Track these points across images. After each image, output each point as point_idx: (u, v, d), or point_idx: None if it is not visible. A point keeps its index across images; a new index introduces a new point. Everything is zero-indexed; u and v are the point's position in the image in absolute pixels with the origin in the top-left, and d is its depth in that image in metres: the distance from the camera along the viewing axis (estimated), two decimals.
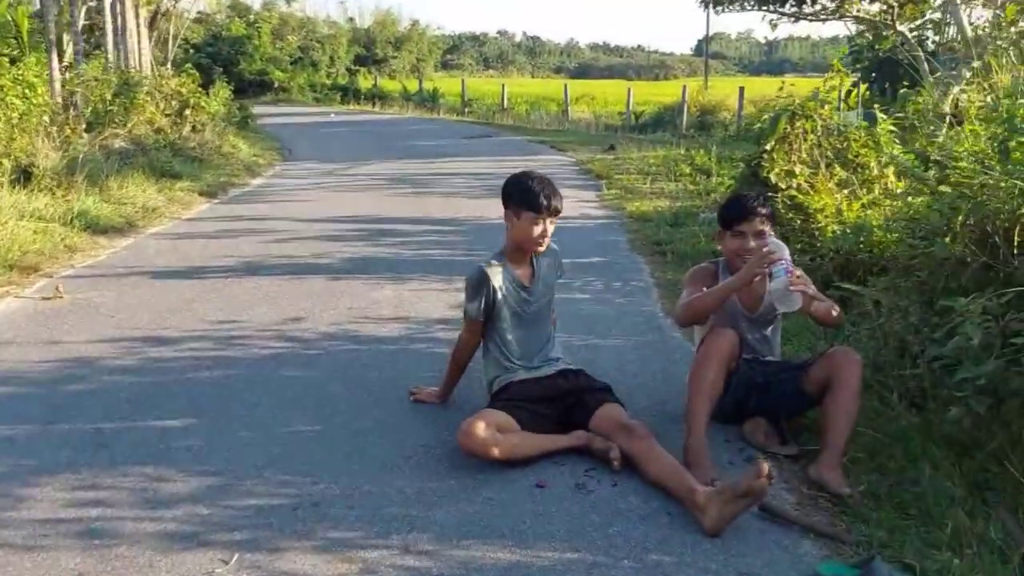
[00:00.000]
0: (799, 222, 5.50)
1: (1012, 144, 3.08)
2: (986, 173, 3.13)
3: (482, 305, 3.27)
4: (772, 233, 3.31)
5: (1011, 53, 7.25)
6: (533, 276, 3.33)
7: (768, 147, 5.85)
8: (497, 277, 3.26)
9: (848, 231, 5.26)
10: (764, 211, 3.30)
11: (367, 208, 8.86)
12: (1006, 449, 2.85)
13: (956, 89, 8.79)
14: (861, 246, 5.08)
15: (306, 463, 3.05)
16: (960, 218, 3.25)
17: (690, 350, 4.18)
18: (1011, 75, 5.84)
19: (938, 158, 3.83)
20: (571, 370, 3.37)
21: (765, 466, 2.55)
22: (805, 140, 5.89)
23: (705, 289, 3.32)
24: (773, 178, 5.67)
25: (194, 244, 7.03)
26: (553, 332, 3.45)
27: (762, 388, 3.30)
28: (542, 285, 3.35)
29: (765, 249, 3.06)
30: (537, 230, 3.20)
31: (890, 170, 5.98)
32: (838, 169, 5.76)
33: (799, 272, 3.03)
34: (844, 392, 3.03)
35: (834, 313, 3.19)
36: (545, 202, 3.17)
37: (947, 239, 3.17)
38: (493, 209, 9.59)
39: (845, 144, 6.13)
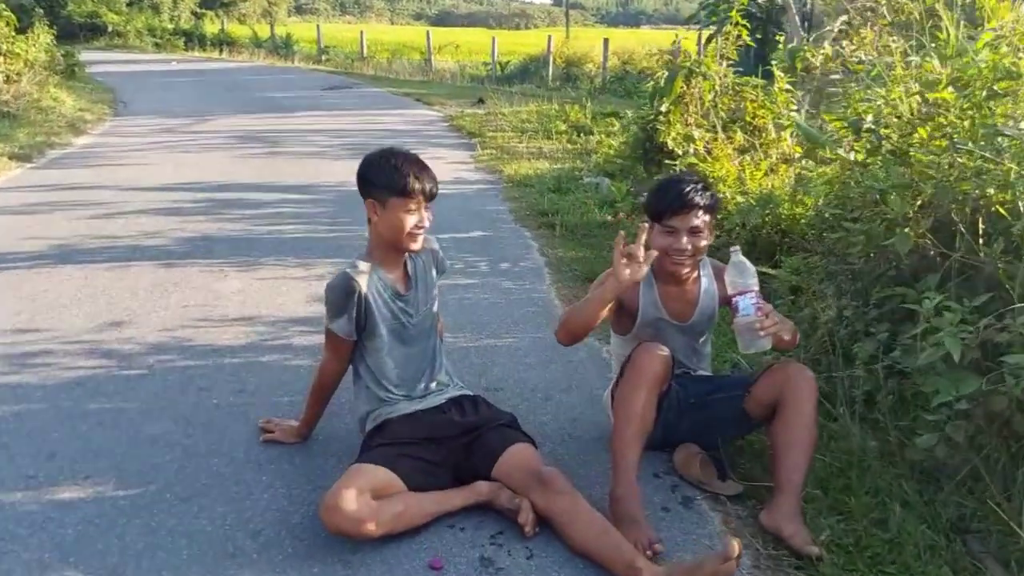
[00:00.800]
0: None
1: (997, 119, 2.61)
2: (958, 151, 2.65)
3: (352, 321, 2.54)
4: (709, 228, 2.71)
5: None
6: (409, 280, 2.63)
7: (664, 108, 5.30)
8: (366, 284, 2.54)
9: (753, 203, 4.81)
10: (703, 201, 2.68)
11: (211, 173, 7.78)
12: (984, 479, 2.42)
13: (826, 44, 8.57)
14: (767, 219, 4.64)
15: (106, 555, 2.25)
16: (919, 201, 2.77)
17: (597, 349, 3.61)
18: (875, 30, 5.52)
19: (871, 127, 3.36)
20: (466, 397, 2.70)
21: (736, 546, 1.99)
22: (701, 101, 5.37)
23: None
24: (670, 143, 5.14)
25: None
26: (440, 346, 2.76)
27: (696, 410, 2.74)
28: (422, 290, 2.65)
29: (728, 279, 2.50)
30: (410, 220, 2.49)
31: (787, 133, 5.58)
32: (737, 133, 5.30)
33: (768, 308, 2.44)
34: (797, 418, 2.51)
35: (791, 338, 2.62)
36: (416, 184, 2.47)
37: (906, 228, 2.68)
38: (354, 172, 8.69)
39: (740, 105, 5.67)
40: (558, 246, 5.39)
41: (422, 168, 2.52)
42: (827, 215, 4.00)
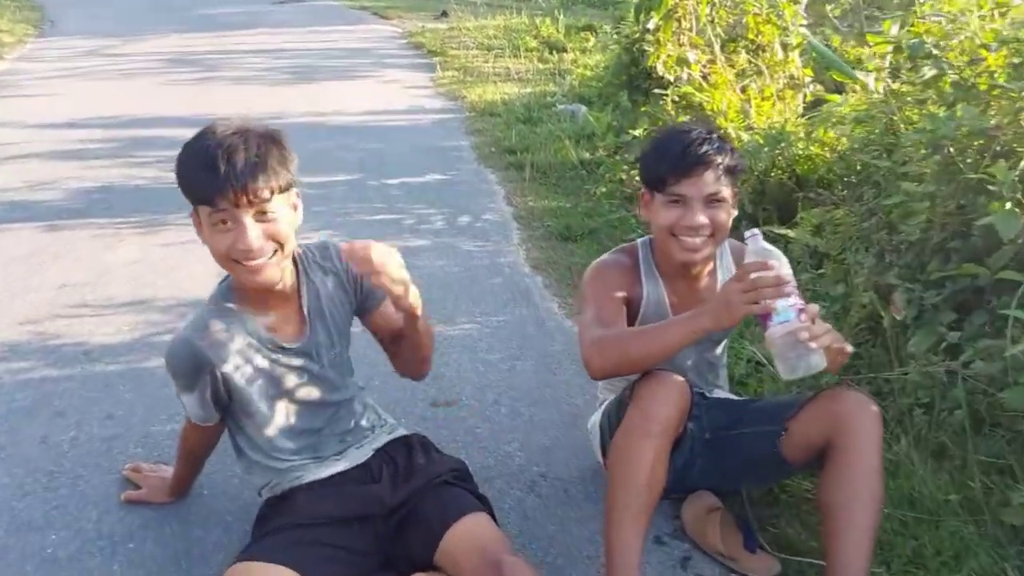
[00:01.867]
0: None
1: None
2: None
3: (207, 404, 1.74)
4: (732, 198, 1.93)
5: None
6: (303, 319, 1.78)
7: (652, 25, 4.42)
8: (225, 349, 1.70)
9: (760, 140, 4.01)
10: (723, 160, 1.87)
11: (130, 104, 6.78)
12: None
13: None
14: (778, 161, 3.85)
15: None
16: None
17: (574, 337, 2.85)
18: None
19: (932, 51, 2.56)
20: (400, 442, 1.94)
21: None
22: (696, 16, 4.50)
23: (622, 305, 1.94)
24: (661, 68, 4.29)
25: None
26: (358, 385, 1.97)
27: (713, 448, 2.01)
28: (327, 322, 1.80)
29: (772, 272, 1.60)
30: (222, 241, 1.59)
31: (795, 53, 4.73)
32: (740, 54, 4.45)
33: (814, 310, 1.61)
34: (859, 474, 1.77)
35: (844, 355, 1.85)
36: (210, 180, 1.53)
37: (1008, 204, 1.91)
38: (297, 101, 7.68)
39: (741, 20, 4.80)
40: (528, 192, 4.57)
41: (231, 151, 1.52)
42: (862, 164, 3.23)
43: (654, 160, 1.92)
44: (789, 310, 1.57)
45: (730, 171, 1.89)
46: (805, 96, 4.64)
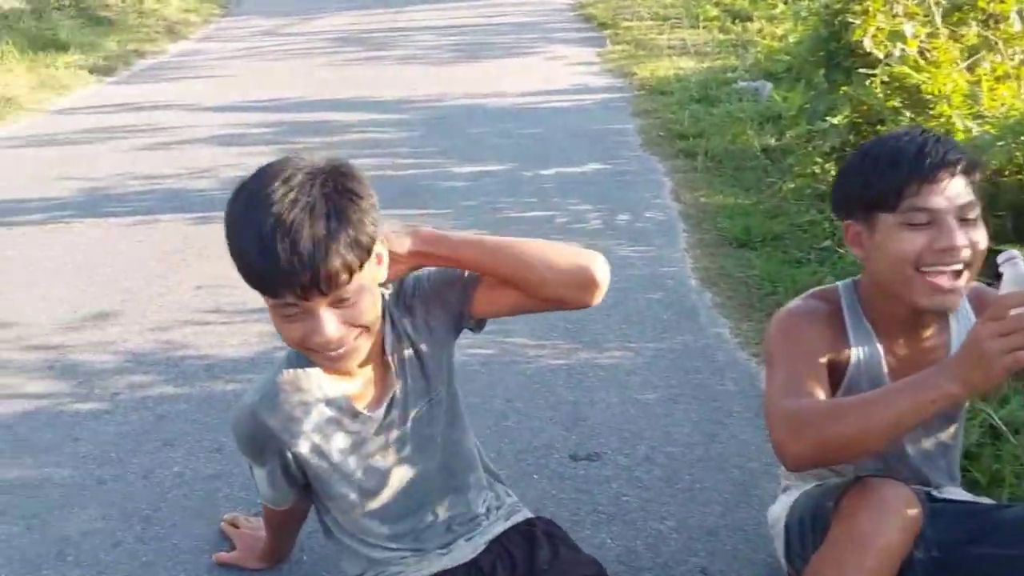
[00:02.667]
0: (908, 117, 3.49)
1: None
2: None
3: (278, 486, 1.43)
4: (981, 216, 1.38)
5: None
6: (386, 382, 1.41)
7: None
8: (298, 420, 1.36)
9: (993, 131, 3.27)
10: (967, 161, 1.35)
11: (297, 85, 6.77)
12: None
13: None
14: (1018, 159, 3.11)
15: None
16: None
17: (750, 375, 2.37)
18: None
19: None
20: (519, 528, 1.55)
21: None
22: None
23: (824, 369, 1.43)
24: (869, 44, 3.60)
25: (33, 156, 5.07)
26: (473, 449, 1.59)
27: (942, 570, 1.48)
28: (416, 381, 1.42)
29: None
30: (294, 331, 1.24)
31: None
32: (971, 27, 3.68)
33: None
34: None
35: None
36: (272, 273, 1.17)
37: None
38: (460, 81, 7.32)
39: None
40: (699, 186, 4.04)
41: (294, 229, 1.14)
42: None
43: (878, 173, 1.39)
44: None
45: (975, 178, 1.37)
46: None
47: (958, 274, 1.34)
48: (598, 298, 1.35)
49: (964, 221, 1.34)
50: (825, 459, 1.34)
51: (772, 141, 4.41)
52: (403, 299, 1.41)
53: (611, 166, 4.44)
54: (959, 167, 1.34)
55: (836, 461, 1.33)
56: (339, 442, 1.37)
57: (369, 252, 1.23)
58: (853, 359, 1.47)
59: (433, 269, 1.41)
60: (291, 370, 1.36)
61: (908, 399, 1.20)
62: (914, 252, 1.33)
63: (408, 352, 1.40)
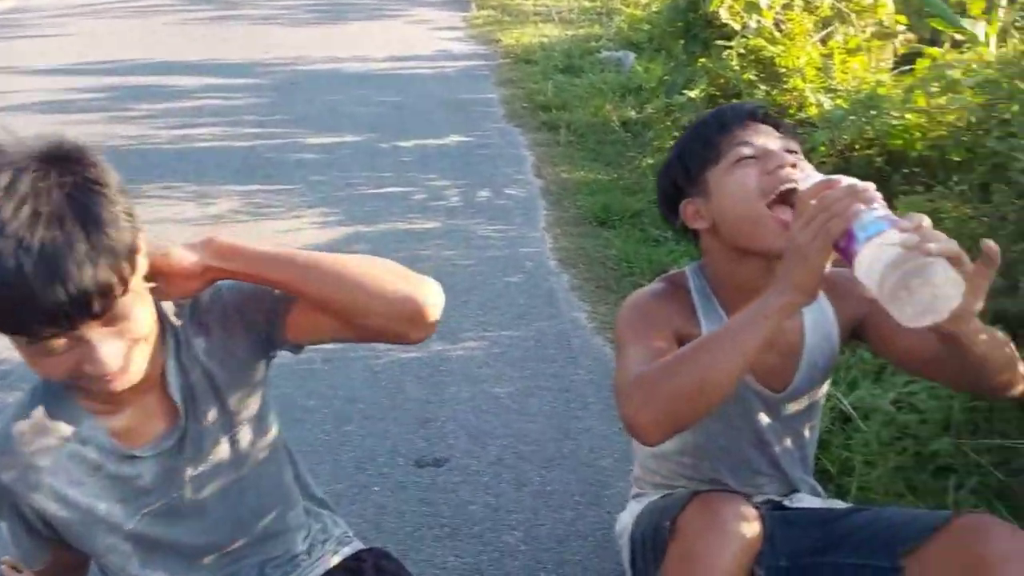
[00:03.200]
0: (763, 90, 3.47)
1: None
2: None
3: (21, 539, 1.17)
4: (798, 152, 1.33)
5: None
6: (170, 415, 1.13)
7: None
8: (36, 469, 1.10)
9: (844, 105, 3.29)
10: (760, 109, 1.35)
11: (138, 46, 6.24)
12: None
13: None
14: (868, 133, 3.13)
15: None
16: None
17: (604, 362, 2.28)
18: None
19: None
20: (347, 565, 1.36)
21: None
22: None
23: (675, 343, 1.33)
24: (726, 15, 3.56)
25: None
26: (296, 486, 1.38)
27: None
28: (209, 419, 1.15)
29: (846, 182, 1.06)
30: (62, 366, 0.98)
31: None
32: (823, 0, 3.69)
33: (917, 217, 0.98)
34: None
35: (1008, 363, 1.21)
36: (39, 309, 0.90)
37: None
38: (317, 44, 6.89)
39: None
40: (561, 161, 3.92)
41: (41, 248, 0.90)
42: (983, 147, 2.53)
43: (692, 137, 1.36)
44: (879, 222, 0.98)
45: (788, 134, 1.33)
46: (895, 49, 3.90)
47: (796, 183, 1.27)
48: (425, 336, 1.15)
49: (789, 153, 1.27)
50: (680, 416, 1.19)
51: (633, 114, 4.34)
52: (196, 315, 1.18)
53: (473, 138, 4.27)
54: (760, 113, 1.32)
55: (693, 415, 1.19)
56: (97, 488, 1.14)
57: (136, 250, 1.00)
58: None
59: (239, 282, 1.18)
60: (35, 409, 1.12)
61: (747, 324, 1.12)
62: (752, 183, 1.26)
63: (198, 379, 1.17)
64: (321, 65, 5.67)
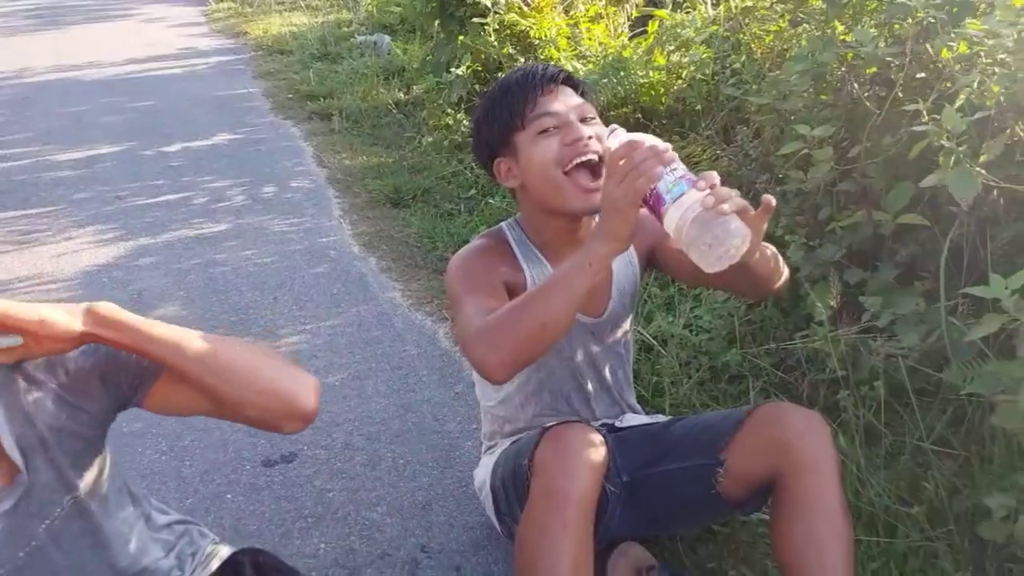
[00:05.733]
0: (522, 62, 3.69)
1: None
2: None
3: None
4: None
5: None
6: (9, 471, 1.06)
7: None
8: None
9: (595, 69, 3.59)
10: (561, 73, 1.49)
11: None
12: None
13: None
14: (619, 92, 3.45)
15: None
16: None
17: (429, 335, 2.38)
18: None
19: None
20: (223, 573, 1.36)
21: None
22: None
23: (504, 291, 1.47)
24: None
25: None
26: (152, 522, 1.33)
27: (634, 491, 1.61)
28: (47, 479, 1.09)
29: (648, 143, 1.20)
30: None
31: None
32: None
33: (712, 178, 1.17)
34: (821, 514, 1.43)
35: (782, 269, 1.46)
36: None
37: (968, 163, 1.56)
38: (41, 53, 6.25)
39: None
40: (340, 148, 3.94)
41: None
42: (721, 95, 2.89)
43: (500, 102, 1.47)
44: (680, 182, 1.16)
45: (587, 95, 1.50)
46: (630, 15, 4.27)
47: (596, 173, 1.43)
48: (300, 429, 1.18)
49: (585, 121, 1.44)
50: (525, 355, 1.33)
51: (401, 95, 4.42)
52: (52, 369, 1.11)
53: (243, 135, 4.15)
54: (560, 77, 1.46)
55: (536, 353, 1.33)
56: None
57: None
58: (529, 281, 1.52)
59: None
60: None
61: (575, 271, 1.26)
62: (553, 153, 1.42)
63: (41, 433, 1.09)
64: (53, 75, 5.22)
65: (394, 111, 4.22)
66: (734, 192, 1.18)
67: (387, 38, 5.42)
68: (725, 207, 1.14)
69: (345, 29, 5.94)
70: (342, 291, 2.73)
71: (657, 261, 1.61)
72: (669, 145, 1.23)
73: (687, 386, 2.14)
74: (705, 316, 2.35)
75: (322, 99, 4.50)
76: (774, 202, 1.24)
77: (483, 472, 1.67)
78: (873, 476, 1.78)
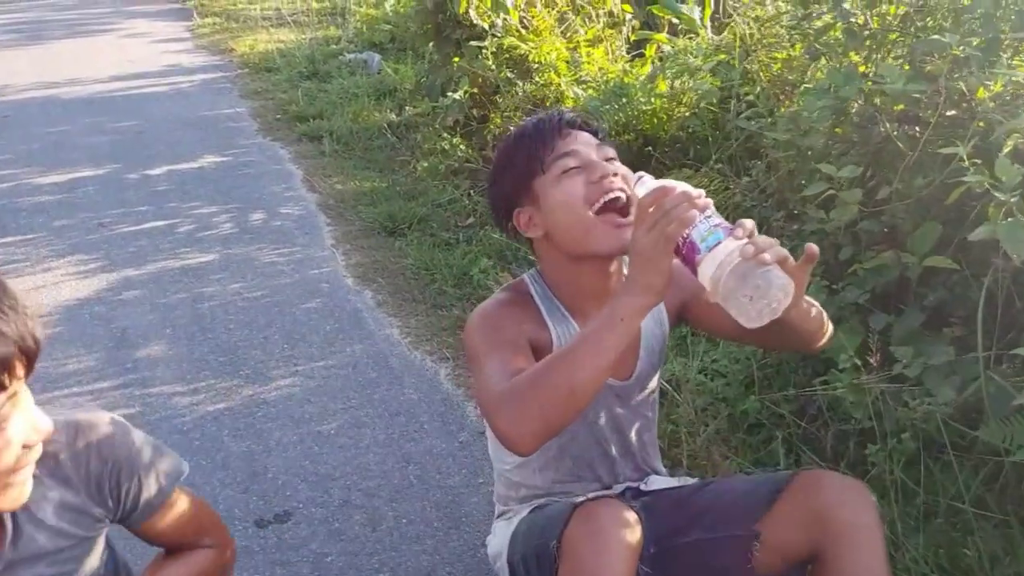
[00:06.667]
0: (521, 87, 3.59)
1: None
2: None
3: None
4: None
5: None
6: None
7: None
8: None
9: (596, 95, 3.50)
10: (578, 119, 1.40)
11: None
12: None
13: None
14: (622, 118, 3.35)
15: None
16: None
17: (429, 377, 2.27)
18: None
19: None
20: None
21: None
22: None
23: (529, 349, 1.35)
24: (474, 15, 3.63)
25: None
26: None
27: (662, 563, 1.49)
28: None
29: (680, 189, 1.11)
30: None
31: None
32: None
33: (749, 224, 1.09)
34: None
35: (819, 325, 1.33)
36: None
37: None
38: (23, 70, 5.97)
39: None
40: (332, 172, 3.82)
41: None
42: (730, 127, 2.80)
43: (516, 150, 1.39)
44: (716, 230, 1.06)
45: (602, 136, 1.41)
46: (628, 37, 4.19)
47: (625, 211, 1.33)
48: None
49: (608, 161, 1.35)
50: (552, 423, 1.21)
51: (394, 117, 4.31)
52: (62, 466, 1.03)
53: (230, 158, 4.03)
54: (578, 122, 1.38)
55: (565, 421, 1.22)
56: None
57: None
58: (555, 340, 1.41)
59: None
60: None
61: (605, 327, 1.16)
62: (579, 193, 1.32)
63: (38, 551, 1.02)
64: (34, 93, 5.07)
65: (387, 133, 4.10)
66: (775, 241, 1.08)
67: (377, 56, 5.31)
68: (767, 256, 1.04)
69: (334, 46, 5.83)
70: (336, 328, 2.60)
71: (689, 318, 1.50)
72: (703, 191, 1.14)
73: (704, 436, 2.04)
74: (721, 360, 2.25)
75: (311, 120, 4.38)
76: (817, 251, 1.14)
77: (498, 542, 1.54)
78: (909, 540, 1.68)
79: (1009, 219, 1.39)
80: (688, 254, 1.10)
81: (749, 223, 1.09)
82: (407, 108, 4.33)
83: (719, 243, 1.06)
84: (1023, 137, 1.53)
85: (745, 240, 1.06)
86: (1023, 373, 1.61)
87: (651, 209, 1.11)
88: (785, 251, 1.08)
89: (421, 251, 3.02)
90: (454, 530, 1.81)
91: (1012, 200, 1.39)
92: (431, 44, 3.97)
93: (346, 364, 2.42)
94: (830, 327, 1.37)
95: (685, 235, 1.10)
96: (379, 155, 3.94)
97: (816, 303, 1.33)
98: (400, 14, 5.02)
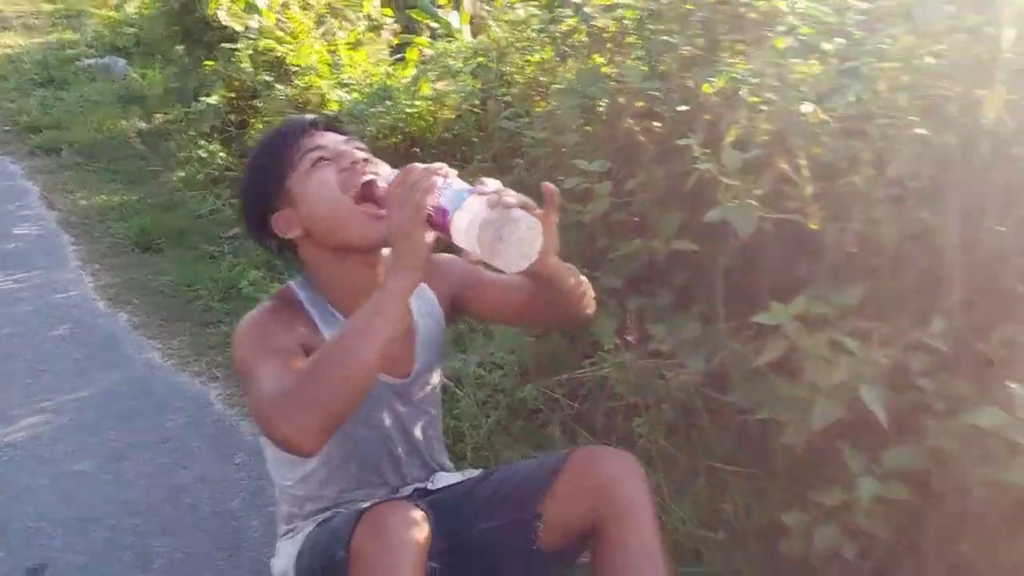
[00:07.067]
0: (280, 90, 3.47)
1: None
2: None
3: None
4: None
5: None
6: None
7: None
8: None
9: (361, 97, 3.47)
10: (320, 119, 1.40)
11: None
12: None
13: None
14: (388, 121, 3.34)
15: None
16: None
17: (198, 399, 2.14)
18: None
19: None
20: None
21: None
22: None
23: (302, 352, 1.31)
24: (225, 17, 3.46)
25: None
26: None
27: (454, 556, 1.49)
28: None
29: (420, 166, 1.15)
30: None
31: None
32: None
33: (491, 181, 1.14)
34: (640, 554, 1.42)
35: (581, 288, 1.39)
36: None
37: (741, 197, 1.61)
38: None
39: None
40: (73, 187, 3.50)
41: None
42: (492, 126, 2.88)
43: (263, 156, 1.37)
44: (461, 192, 1.12)
45: (359, 139, 1.41)
46: (389, 40, 4.20)
47: (382, 204, 1.30)
48: None
49: (358, 150, 1.35)
50: (330, 417, 1.18)
51: (143, 125, 4.02)
52: None
53: None
54: (320, 123, 1.37)
55: (342, 413, 1.20)
56: None
57: None
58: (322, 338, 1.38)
59: None
60: None
61: (375, 311, 1.16)
62: (332, 180, 1.31)
63: None
64: None
65: (136, 143, 3.82)
66: (518, 193, 1.14)
67: (122, 61, 4.94)
68: (510, 199, 1.09)
69: (70, 51, 5.34)
70: (87, 356, 2.39)
71: (462, 308, 1.53)
72: (443, 164, 1.17)
73: (486, 427, 2.08)
74: (498, 352, 2.31)
75: (45, 130, 3.98)
76: (555, 189, 1.21)
77: (283, 562, 1.48)
78: (675, 502, 1.81)
79: (735, 201, 1.54)
80: (439, 220, 1.13)
81: (491, 180, 1.14)
82: (157, 115, 4.05)
83: (464, 201, 1.10)
84: (742, 127, 1.69)
85: (491, 192, 1.11)
86: (760, 339, 1.80)
87: (398, 189, 1.14)
88: (527, 198, 1.13)
89: (182, 267, 2.84)
90: (235, 556, 1.72)
91: (736, 183, 1.54)
92: (180, 47, 3.74)
93: (100, 394, 2.23)
94: (591, 291, 1.45)
95: (435, 205, 1.13)
96: (128, 166, 3.66)
97: (574, 268, 1.40)
98: (145, 16, 4.69)
